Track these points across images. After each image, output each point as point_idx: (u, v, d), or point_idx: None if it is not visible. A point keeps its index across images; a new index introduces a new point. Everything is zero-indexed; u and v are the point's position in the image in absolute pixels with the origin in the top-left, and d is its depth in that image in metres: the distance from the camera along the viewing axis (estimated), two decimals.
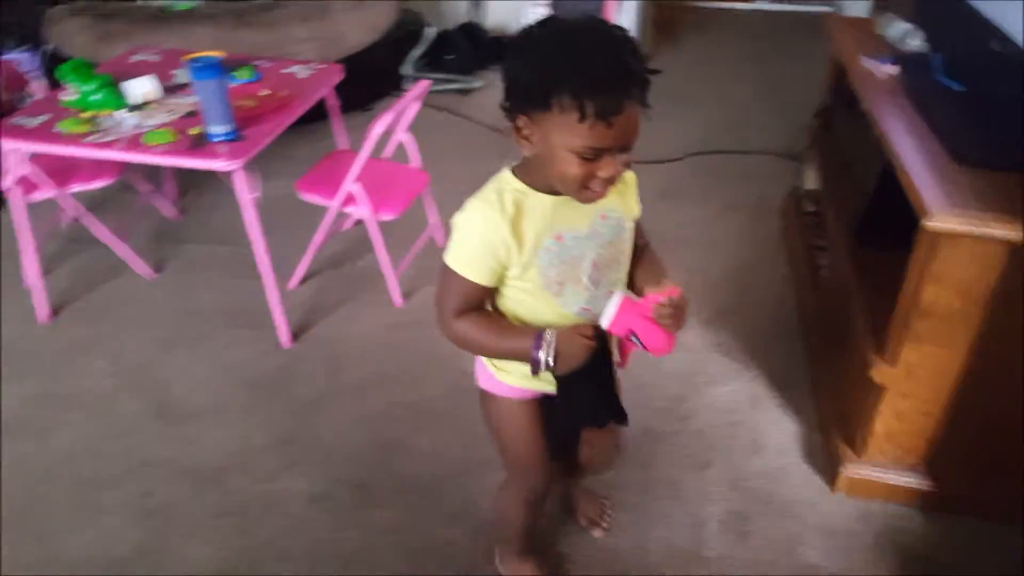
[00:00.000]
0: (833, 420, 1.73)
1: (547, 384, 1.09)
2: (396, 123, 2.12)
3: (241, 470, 1.69)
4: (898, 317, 1.44)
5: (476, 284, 1.01)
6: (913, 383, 1.49)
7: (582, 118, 0.85)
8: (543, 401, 1.16)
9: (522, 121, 0.92)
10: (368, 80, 3.24)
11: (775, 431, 1.81)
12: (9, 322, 2.12)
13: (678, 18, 4.75)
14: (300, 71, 2.22)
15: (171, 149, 1.78)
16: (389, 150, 2.30)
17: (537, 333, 0.99)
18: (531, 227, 0.98)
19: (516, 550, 1.45)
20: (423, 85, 2.15)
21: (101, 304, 2.21)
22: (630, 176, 1.08)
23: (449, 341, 1.04)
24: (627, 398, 1.78)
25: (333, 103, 2.31)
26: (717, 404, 1.89)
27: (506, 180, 1.01)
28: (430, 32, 3.68)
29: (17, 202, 1.99)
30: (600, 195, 0.95)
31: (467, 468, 1.70)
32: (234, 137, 1.83)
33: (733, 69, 4.04)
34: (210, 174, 2.66)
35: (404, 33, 3.65)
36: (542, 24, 0.91)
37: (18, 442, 1.75)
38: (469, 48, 3.76)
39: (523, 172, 1.00)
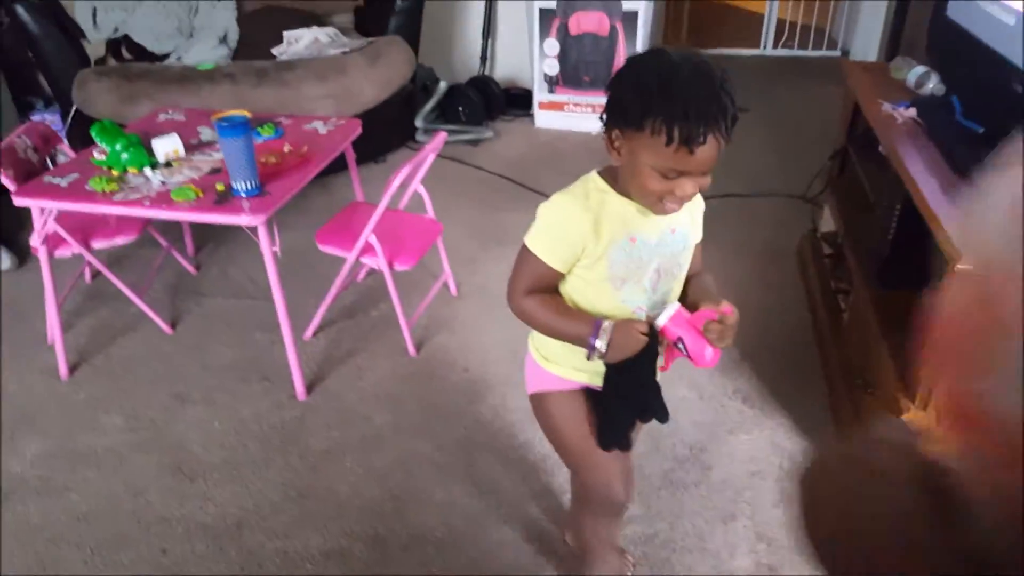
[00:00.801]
0: None
1: (595, 376, 1.16)
2: (413, 174, 2.15)
3: (257, 526, 1.68)
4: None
5: (550, 268, 1.11)
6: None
7: (669, 142, 0.96)
8: (590, 396, 1.22)
9: (615, 134, 1.03)
10: (382, 132, 3.30)
11: None
12: (32, 379, 2.14)
13: None
14: (320, 127, 2.27)
15: (197, 205, 1.81)
16: (404, 200, 2.33)
17: (596, 320, 1.09)
18: (609, 224, 1.09)
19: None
20: (440, 137, 2.19)
21: (119, 359, 2.23)
22: (699, 201, 1.16)
23: (515, 316, 1.15)
24: (648, 445, 1.79)
25: (351, 156, 2.36)
26: (739, 453, 1.86)
27: (593, 180, 1.12)
28: (442, 86, 3.76)
29: (44, 260, 2.03)
30: (674, 210, 1.06)
31: (481, 520, 1.67)
32: (258, 193, 1.86)
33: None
34: (225, 228, 2.72)
35: (417, 87, 3.74)
36: (649, 53, 1.03)
37: (33, 502, 1.75)
38: (479, 100, 3.84)
39: (609, 176, 1.11)
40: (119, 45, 3.34)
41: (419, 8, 3.60)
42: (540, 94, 3.89)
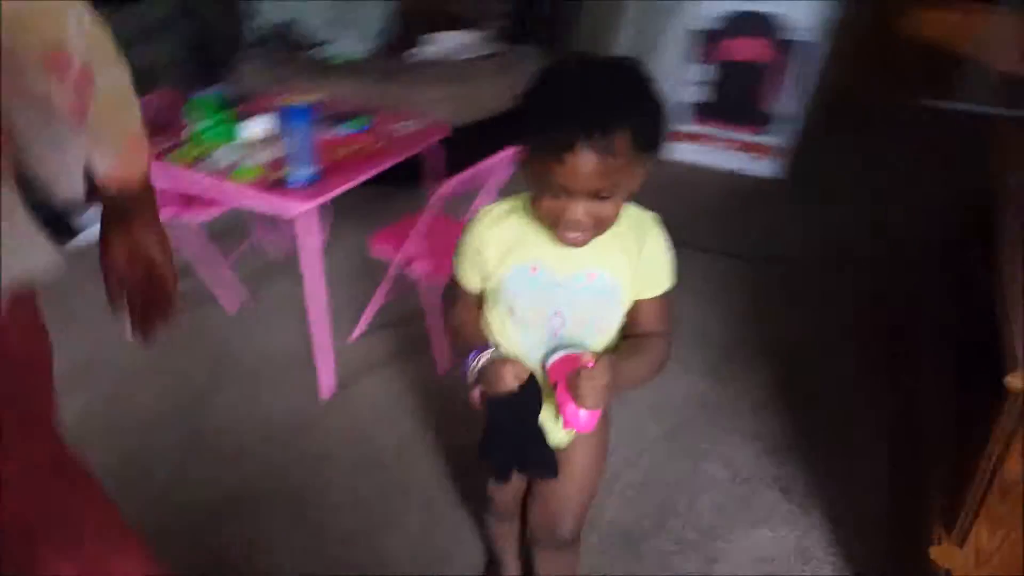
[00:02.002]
0: None
1: None
2: (482, 185, 2.10)
3: (243, 511, 1.69)
4: (973, 488, 1.15)
5: (463, 284, 1.08)
6: (986, 571, 1.17)
7: (536, 149, 0.89)
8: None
9: (520, 150, 0.94)
10: (499, 144, 3.29)
11: None
12: (108, 336, 2.30)
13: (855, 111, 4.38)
14: (407, 127, 2.28)
15: (250, 188, 1.87)
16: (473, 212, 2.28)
17: (482, 346, 1.02)
18: (518, 248, 1.01)
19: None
20: (511, 151, 2.12)
21: (184, 330, 2.34)
22: (656, 252, 1.03)
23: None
24: (654, 520, 1.60)
25: (435, 159, 2.34)
26: (756, 550, 1.62)
27: (524, 198, 1.03)
28: None
29: None
30: (574, 241, 0.95)
31: (450, 551, 1.58)
32: (313, 181, 1.89)
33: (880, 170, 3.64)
34: (336, 224, 2.82)
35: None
36: (560, 58, 0.93)
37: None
38: None
39: None
40: (281, 31, 3.59)
41: (568, 21, 3.55)
42: (681, 123, 3.69)
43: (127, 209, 0.98)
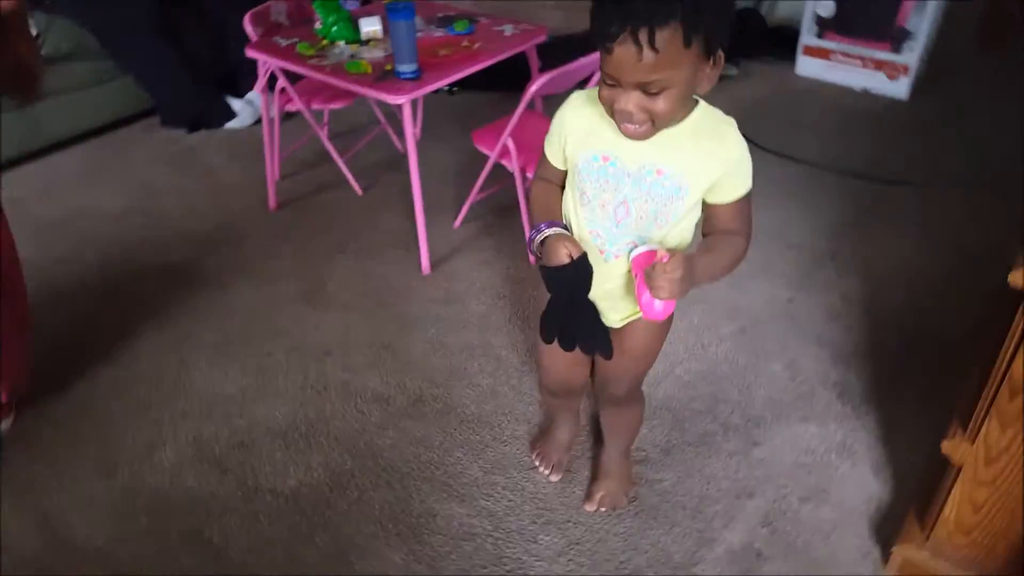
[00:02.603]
0: (914, 489, 1.45)
1: None
2: (574, 84, 2.18)
3: (339, 358, 1.96)
4: (986, 388, 1.17)
5: (548, 160, 1.17)
6: (995, 471, 1.21)
7: (591, 36, 0.93)
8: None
9: None
10: None
11: (849, 487, 1.58)
12: (249, 205, 2.65)
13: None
14: (508, 29, 2.38)
15: (358, 79, 2.07)
16: None
17: (547, 223, 1.10)
18: (596, 135, 1.07)
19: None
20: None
21: (315, 205, 2.66)
22: (733, 157, 1.03)
23: None
24: (702, 405, 1.71)
25: (534, 64, 2.44)
26: (798, 440, 1.69)
27: None
28: None
29: (264, 106, 2.48)
30: (631, 133, 0.99)
31: (513, 410, 1.77)
32: (415, 76, 2.06)
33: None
34: (444, 119, 3.01)
35: None
36: None
37: (197, 289, 2.23)
38: (737, 35, 3.59)
39: None
40: None
41: None
42: (807, 37, 3.53)
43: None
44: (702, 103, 1.04)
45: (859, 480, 1.60)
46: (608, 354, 1.21)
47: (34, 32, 2.74)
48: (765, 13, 3.84)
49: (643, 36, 0.87)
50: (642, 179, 1.06)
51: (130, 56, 2.99)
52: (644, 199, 1.07)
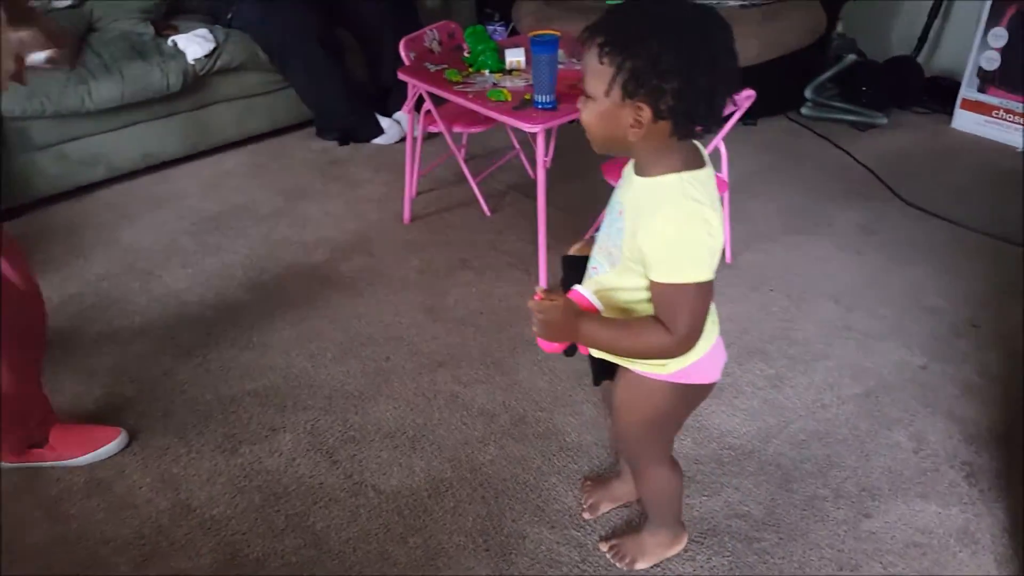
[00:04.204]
0: None
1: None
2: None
3: (450, 370, 2.04)
4: None
5: None
6: None
7: None
8: None
9: None
10: (760, 94, 3.25)
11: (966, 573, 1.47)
12: (384, 217, 2.81)
13: None
14: None
15: (498, 106, 2.16)
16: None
17: None
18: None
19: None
20: (747, 95, 2.14)
21: (445, 222, 2.78)
22: (649, 235, 0.99)
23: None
24: (814, 468, 1.65)
25: None
26: (915, 519, 1.59)
27: None
28: (848, 59, 3.48)
29: (409, 125, 2.64)
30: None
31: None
32: (551, 107, 2.13)
33: None
34: (583, 155, 3.07)
35: (827, 56, 3.53)
36: None
37: (330, 291, 2.38)
38: (889, 84, 3.46)
39: None
40: None
41: None
42: (967, 91, 3.34)
43: None
44: (680, 176, 0.99)
45: (978, 571, 1.48)
46: (594, 377, 1.27)
47: (212, 46, 3.03)
48: (923, 61, 3.65)
49: (585, 34, 0.97)
50: (613, 215, 1.10)
51: (295, 70, 3.25)
52: (607, 235, 1.12)
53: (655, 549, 1.49)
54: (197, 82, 3.08)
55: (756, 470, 1.71)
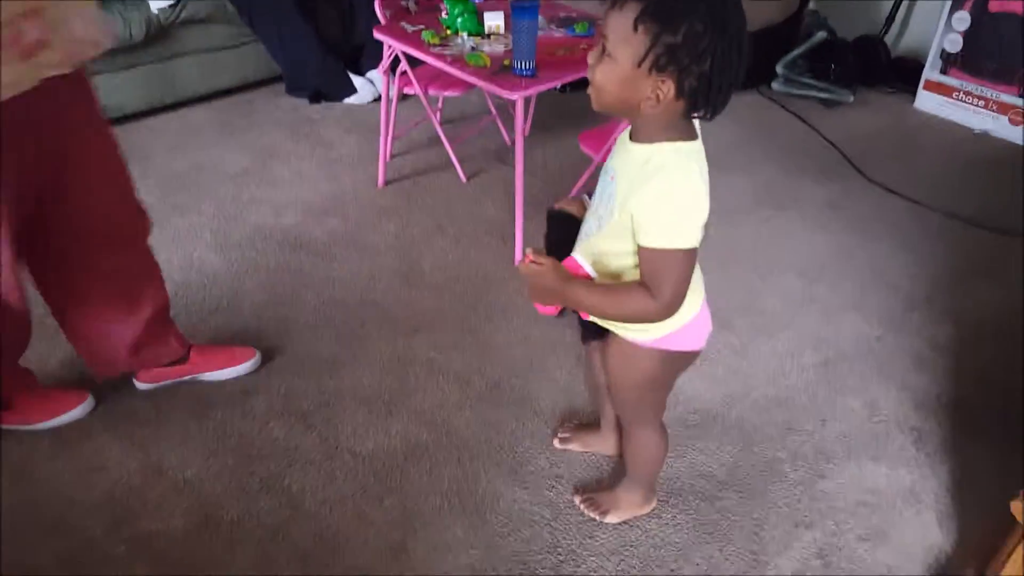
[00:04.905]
0: (976, 544, 1.44)
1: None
2: None
3: (426, 336, 2.07)
4: None
5: None
6: None
7: None
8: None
9: None
10: None
11: (911, 533, 1.57)
12: (358, 180, 2.79)
13: None
14: None
15: (476, 71, 2.15)
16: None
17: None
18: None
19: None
20: None
21: (418, 186, 2.77)
22: (644, 201, 1.01)
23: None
24: (775, 432, 1.72)
25: None
26: (866, 479, 1.69)
27: None
28: (818, 35, 3.53)
29: (384, 86, 2.61)
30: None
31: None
32: (531, 74, 2.13)
33: None
34: (558, 120, 3.08)
35: (799, 32, 3.58)
36: None
37: (302, 255, 2.38)
38: (856, 63, 3.52)
39: None
40: None
41: None
42: (930, 72, 3.42)
43: None
44: (676, 146, 1.03)
45: (922, 528, 1.58)
46: (582, 336, 1.34)
47: None
48: (891, 42, 3.73)
49: (634, 8, 0.92)
50: (606, 180, 1.12)
51: (264, 23, 3.17)
52: (599, 199, 1.14)
53: (628, 506, 1.56)
54: (161, 33, 2.98)
55: (720, 433, 1.78)
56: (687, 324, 1.19)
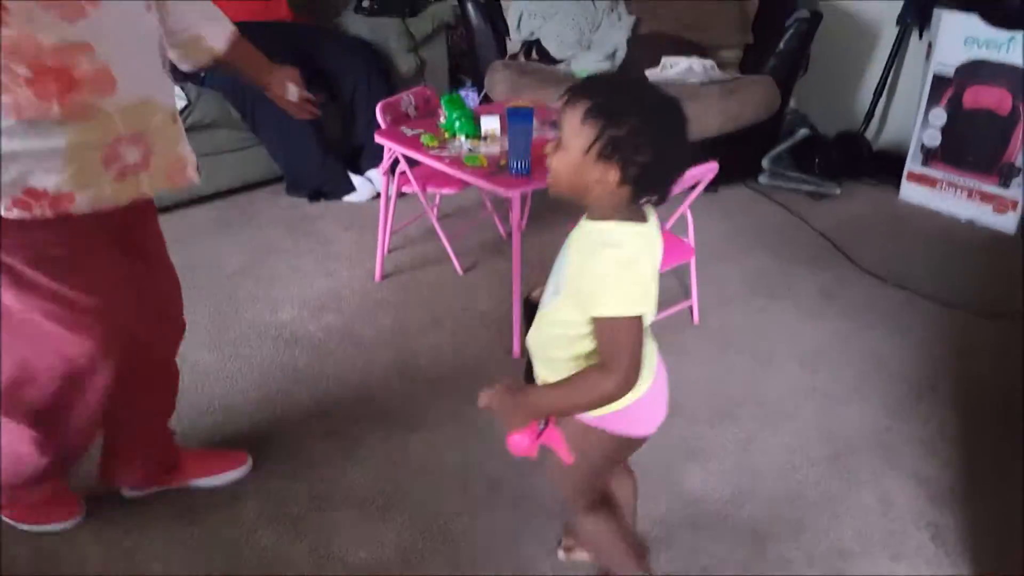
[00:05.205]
0: None
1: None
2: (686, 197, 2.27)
3: (422, 434, 2.02)
4: None
5: None
6: None
7: None
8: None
9: None
10: (721, 165, 3.38)
11: None
12: (354, 275, 2.80)
13: None
14: None
15: (476, 172, 2.21)
16: (671, 222, 2.44)
17: None
18: None
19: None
20: (709, 167, 2.22)
21: (417, 280, 2.78)
22: (589, 273, 1.08)
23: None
24: (789, 526, 1.69)
25: None
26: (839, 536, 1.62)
27: None
28: (800, 132, 3.66)
29: (384, 187, 2.67)
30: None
31: None
32: (525, 173, 2.18)
33: None
34: (552, 213, 3.13)
35: (781, 129, 3.71)
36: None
37: (301, 351, 2.35)
38: (839, 157, 3.64)
39: None
40: (531, 46, 3.97)
41: (799, 53, 3.56)
42: (912, 164, 3.53)
43: (249, 63, 1.55)
44: (620, 225, 1.09)
45: None
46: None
47: (183, 103, 3.05)
48: (871, 136, 3.87)
49: (569, 94, 1.05)
50: (564, 251, 1.18)
51: (266, 127, 3.27)
52: (556, 269, 1.19)
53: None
54: None
55: (731, 534, 1.71)
56: (632, 405, 1.16)
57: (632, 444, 1.27)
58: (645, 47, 3.83)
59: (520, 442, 1.15)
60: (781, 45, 3.52)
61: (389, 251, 2.90)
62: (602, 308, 1.06)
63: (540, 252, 2.90)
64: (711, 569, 1.62)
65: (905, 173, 3.55)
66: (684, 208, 2.34)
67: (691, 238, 2.39)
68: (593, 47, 3.87)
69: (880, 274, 2.83)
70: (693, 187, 2.25)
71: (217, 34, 1.52)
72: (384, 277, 2.79)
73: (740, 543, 1.70)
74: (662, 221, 2.41)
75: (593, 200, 1.10)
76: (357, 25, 3.80)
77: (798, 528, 1.74)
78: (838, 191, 3.55)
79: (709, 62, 3.61)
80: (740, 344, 2.42)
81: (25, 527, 1.68)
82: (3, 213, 1.18)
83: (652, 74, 3.61)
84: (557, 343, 1.18)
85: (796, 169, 3.67)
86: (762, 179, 3.65)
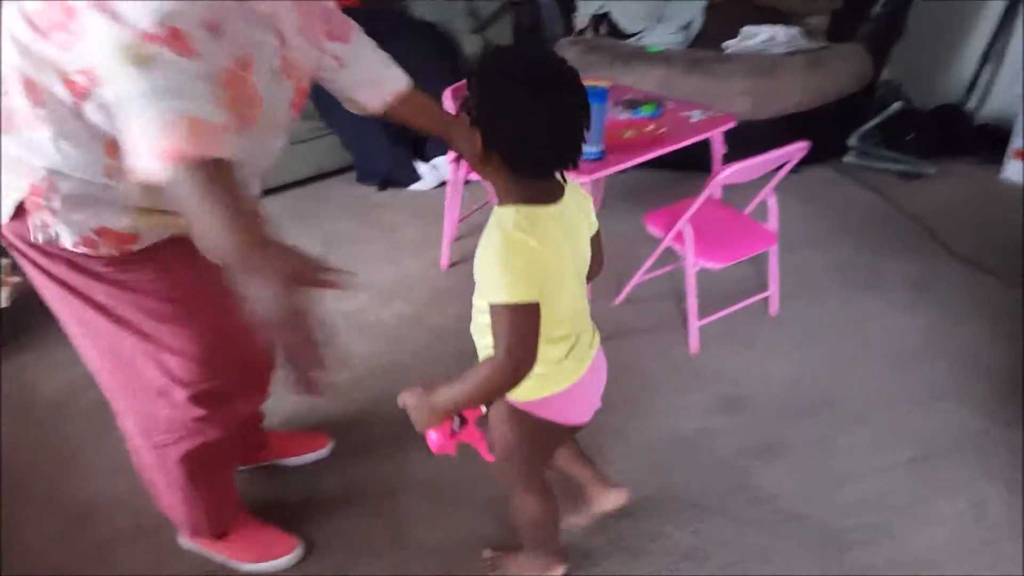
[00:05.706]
0: None
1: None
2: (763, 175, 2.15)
3: None
4: None
5: None
6: None
7: None
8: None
9: None
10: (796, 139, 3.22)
11: None
12: (421, 264, 2.81)
13: None
14: (696, 115, 2.39)
15: None
16: (751, 205, 2.33)
17: None
18: None
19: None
20: (799, 146, 2.10)
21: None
22: (482, 257, 1.06)
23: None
24: (867, 532, 1.60)
25: (717, 151, 2.43)
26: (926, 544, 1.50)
27: None
28: (894, 106, 3.43)
29: (451, 175, 2.65)
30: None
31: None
32: (599, 157, 2.12)
33: None
34: (624, 203, 3.06)
35: (873, 103, 3.49)
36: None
37: (368, 338, 2.37)
38: (935, 132, 3.39)
39: None
40: (600, 20, 3.87)
41: (898, 18, 3.32)
42: (1018, 140, 3.25)
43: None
44: (515, 209, 1.05)
45: None
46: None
47: None
48: (974, 108, 3.59)
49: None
50: None
51: (338, 116, 3.31)
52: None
53: (528, 569, 1.54)
54: None
55: (804, 536, 1.63)
56: (556, 394, 1.17)
57: (561, 431, 1.26)
58: (723, 17, 3.67)
59: (436, 440, 1.17)
60: (878, 8, 3.27)
61: (456, 239, 2.89)
62: (490, 294, 1.04)
63: (611, 237, 2.86)
64: (783, 572, 1.55)
65: (1010, 150, 3.28)
66: (767, 192, 2.23)
67: (773, 224, 2.28)
68: (666, 19, 3.73)
69: (977, 262, 2.63)
70: (777, 169, 2.14)
71: (372, 96, 1.44)
72: (451, 265, 2.78)
73: (814, 546, 1.62)
74: (742, 204, 2.34)
75: (493, 184, 1.08)
76: (422, 8, 3.78)
77: (879, 533, 1.64)
78: (933, 171, 3.31)
79: (794, 30, 3.41)
80: (821, 338, 2.30)
81: (247, 567, 1.63)
82: (70, 247, 1.14)
83: (730, 44, 3.45)
84: (481, 332, 1.15)
85: (887, 147, 3.45)
86: (849, 158, 3.45)
